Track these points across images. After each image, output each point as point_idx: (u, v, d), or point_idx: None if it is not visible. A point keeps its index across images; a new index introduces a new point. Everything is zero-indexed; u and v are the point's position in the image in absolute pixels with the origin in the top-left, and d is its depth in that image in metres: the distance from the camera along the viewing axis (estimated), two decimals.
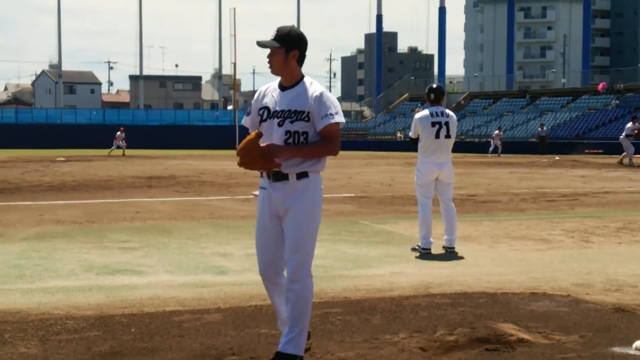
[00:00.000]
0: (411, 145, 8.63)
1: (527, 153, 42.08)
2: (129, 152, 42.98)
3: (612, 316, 5.31)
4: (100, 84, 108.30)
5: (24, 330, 4.95)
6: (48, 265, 7.35)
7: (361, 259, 7.74)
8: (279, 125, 4.13)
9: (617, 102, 50.81)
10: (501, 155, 40.23)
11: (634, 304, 5.72)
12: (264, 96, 4.30)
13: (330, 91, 4.65)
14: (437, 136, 8.14)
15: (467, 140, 52.30)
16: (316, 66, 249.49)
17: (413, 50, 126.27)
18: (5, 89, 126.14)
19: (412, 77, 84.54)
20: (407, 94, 70.22)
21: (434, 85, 8.46)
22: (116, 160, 34.86)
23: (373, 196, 15.09)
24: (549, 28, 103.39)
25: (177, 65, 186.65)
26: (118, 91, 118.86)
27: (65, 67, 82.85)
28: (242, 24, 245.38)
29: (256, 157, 4.03)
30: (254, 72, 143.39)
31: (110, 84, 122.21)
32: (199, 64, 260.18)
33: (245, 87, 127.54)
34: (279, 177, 4.16)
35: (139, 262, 7.54)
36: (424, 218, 8.13)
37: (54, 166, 27.93)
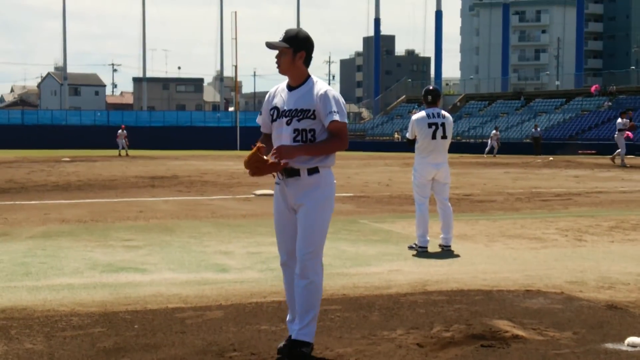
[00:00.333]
0: (408, 146, 8.73)
1: (521, 154, 42.15)
2: (131, 152, 42.82)
3: (604, 313, 5.37)
4: (104, 86, 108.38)
5: (29, 326, 5.01)
6: (53, 263, 7.42)
7: (360, 257, 7.80)
8: (287, 124, 4.30)
9: (610, 103, 50.88)
10: (496, 155, 40.30)
11: (626, 301, 5.78)
12: (273, 97, 4.45)
13: None
14: (434, 137, 8.23)
15: (463, 141, 52.32)
16: (315, 69, 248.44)
17: (410, 53, 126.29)
18: (12, 90, 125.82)
19: (410, 80, 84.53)
20: (404, 96, 70.18)
21: (431, 87, 8.55)
22: (120, 160, 34.81)
23: (371, 196, 15.17)
24: (543, 31, 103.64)
25: (179, 68, 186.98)
26: (122, 93, 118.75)
27: (70, 69, 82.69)
28: (243, 27, 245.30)
29: (261, 166, 4.26)
30: (254, 75, 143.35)
31: (114, 86, 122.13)
32: (201, 66, 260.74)
33: (246, 89, 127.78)
34: (291, 173, 4.32)
35: (142, 260, 7.61)
36: (421, 217, 8.22)
37: (59, 166, 27.91)
